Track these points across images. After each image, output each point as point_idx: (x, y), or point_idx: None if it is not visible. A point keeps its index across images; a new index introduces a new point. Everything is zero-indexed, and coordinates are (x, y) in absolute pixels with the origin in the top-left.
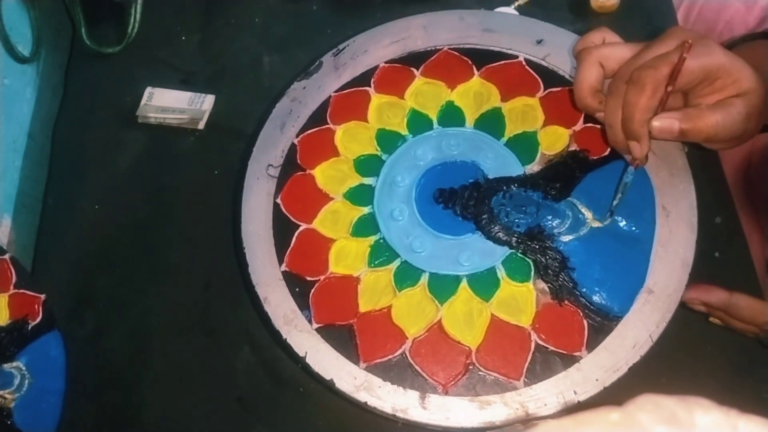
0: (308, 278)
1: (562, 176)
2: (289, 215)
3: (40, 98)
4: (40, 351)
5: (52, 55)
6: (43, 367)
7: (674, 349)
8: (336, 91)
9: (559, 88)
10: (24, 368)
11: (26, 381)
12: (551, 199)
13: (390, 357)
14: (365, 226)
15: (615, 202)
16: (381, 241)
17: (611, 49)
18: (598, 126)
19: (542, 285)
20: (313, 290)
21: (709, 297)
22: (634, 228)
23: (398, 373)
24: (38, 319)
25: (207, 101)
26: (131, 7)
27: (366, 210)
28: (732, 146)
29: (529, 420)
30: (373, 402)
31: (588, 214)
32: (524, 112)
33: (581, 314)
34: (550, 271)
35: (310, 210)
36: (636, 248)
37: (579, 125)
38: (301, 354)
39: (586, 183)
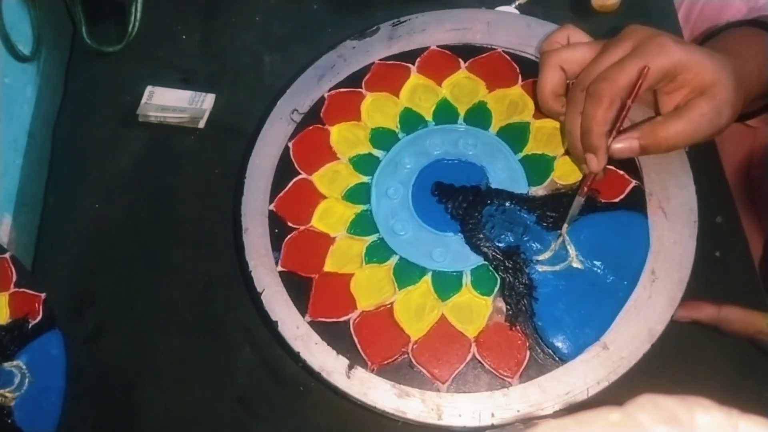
0: (289, 224)
1: (564, 209)
2: (294, 161)
3: (41, 97)
4: (41, 350)
5: (52, 54)
6: (43, 366)
7: (674, 349)
8: (381, 59)
9: None
10: (24, 367)
11: (26, 380)
12: (543, 226)
13: (335, 320)
14: (358, 195)
15: (564, 230)
16: (368, 212)
17: (571, 52)
18: (620, 172)
19: (501, 304)
20: (289, 235)
21: (698, 314)
22: (613, 281)
23: (336, 337)
24: (39, 318)
25: (207, 100)
26: (132, 6)
27: (365, 179)
28: (709, 139)
29: (529, 419)
30: (304, 355)
31: (572, 253)
32: (551, 135)
33: (527, 344)
34: (513, 293)
35: (315, 162)
36: (608, 300)
37: None
38: (259, 290)
39: (583, 223)
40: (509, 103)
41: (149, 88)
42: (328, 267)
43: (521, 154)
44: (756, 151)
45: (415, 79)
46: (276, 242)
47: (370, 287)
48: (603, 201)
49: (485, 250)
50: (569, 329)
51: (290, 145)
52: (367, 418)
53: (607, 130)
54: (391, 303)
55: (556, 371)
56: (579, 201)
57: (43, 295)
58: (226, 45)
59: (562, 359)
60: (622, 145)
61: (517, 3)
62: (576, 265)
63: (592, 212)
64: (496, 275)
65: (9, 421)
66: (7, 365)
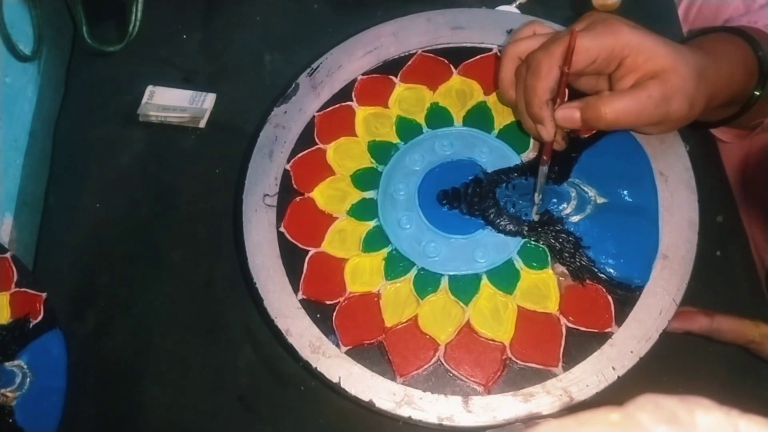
0: (327, 302)
1: (559, 159)
2: (295, 242)
3: (42, 97)
4: (42, 349)
5: (53, 54)
6: (44, 366)
7: (675, 349)
8: (318, 111)
9: None
10: (25, 366)
11: (28, 379)
12: (552, 182)
13: (425, 366)
14: (375, 240)
15: (537, 199)
16: (394, 252)
17: (528, 42)
18: None
19: (561, 268)
20: (334, 314)
21: (691, 325)
22: (637, 198)
23: (437, 381)
24: (39, 318)
25: (208, 100)
26: (132, 6)
27: (373, 224)
28: (664, 130)
29: (530, 419)
30: (417, 415)
31: (591, 192)
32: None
33: (604, 291)
34: (566, 253)
35: (316, 233)
36: (643, 217)
37: None
38: (335, 380)
39: (584, 161)
40: (456, 93)
41: (150, 88)
42: (389, 321)
43: (495, 132)
44: (752, 152)
45: (361, 112)
46: (324, 326)
47: (439, 318)
48: (586, 136)
49: (518, 229)
50: (629, 258)
51: (283, 229)
52: (367, 417)
53: (547, 100)
54: (467, 321)
55: (641, 300)
56: (543, 171)
57: (44, 294)
58: (226, 44)
59: (640, 286)
60: (562, 114)
61: (517, 2)
62: (600, 201)
63: (584, 149)
64: (541, 246)
65: (10, 420)
66: (8, 365)
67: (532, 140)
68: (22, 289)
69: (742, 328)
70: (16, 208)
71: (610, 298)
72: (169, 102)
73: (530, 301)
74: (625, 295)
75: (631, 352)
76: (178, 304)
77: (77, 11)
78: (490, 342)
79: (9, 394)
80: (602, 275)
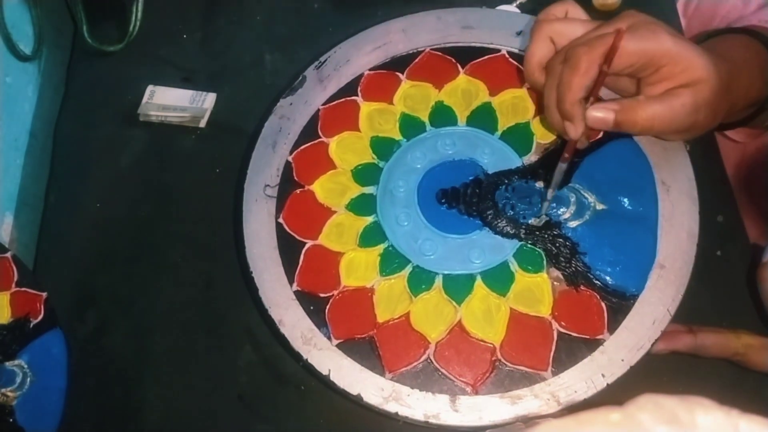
0: (321, 295)
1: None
2: (293, 233)
3: (42, 96)
4: (42, 349)
5: (53, 53)
6: (44, 365)
7: None
8: (323, 104)
9: None
10: (26, 366)
11: (28, 379)
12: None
13: (415, 363)
14: (372, 236)
15: (550, 195)
16: (390, 248)
17: (564, 25)
18: None
19: (556, 273)
20: (328, 306)
21: (675, 345)
22: (637, 206)
23: (425, 379)
24: (40, 318)
25: (208, 99)
26: (133, 5)
27: (370, 219)
28: (685, 138)
29: (530, 419)
30: (403, 411)
31: (591, 198)
32: (514, 104)
33: (598, 297)
34: (561, 258)
35: (314, 226)
36: (642, 226)
37: None
38: (324, 372)
39: (585, 167)
40: (462, 93)
41: (150, 88)
42: (381, 317)
43: (498, 133)
44: (747, 154)
45: (366, 107)
46: (317, 319)
47: (431, 316)
48: (590, 141)
49: (515, 231)
50: (625, 266)
51: (281, 220)
52: (367, 417)
53: (581, 98)
54: (459, 320)
55: (634, 308)
56: (561, 168)
57: (44, 294)
58: (226, 44)
59: (634, 295)
60: (598, 114)
61: (517, 2)
62: (600, 207)
63: (586, 155)
64: (538, 249)
65: (11, 420)
66: (8, 364)
67: (534, 143)
68: (23, 289)
69: (725, 342)
70: (16, 208)
71: (603, 305)
72: (170, 102)
73: (523, 304)
74: (619, 303)
75: (622, 360)
76: (178, 304)
77: (77, 11)
78: (481, 343)
79: (9, 393)
80: (597, 282)
